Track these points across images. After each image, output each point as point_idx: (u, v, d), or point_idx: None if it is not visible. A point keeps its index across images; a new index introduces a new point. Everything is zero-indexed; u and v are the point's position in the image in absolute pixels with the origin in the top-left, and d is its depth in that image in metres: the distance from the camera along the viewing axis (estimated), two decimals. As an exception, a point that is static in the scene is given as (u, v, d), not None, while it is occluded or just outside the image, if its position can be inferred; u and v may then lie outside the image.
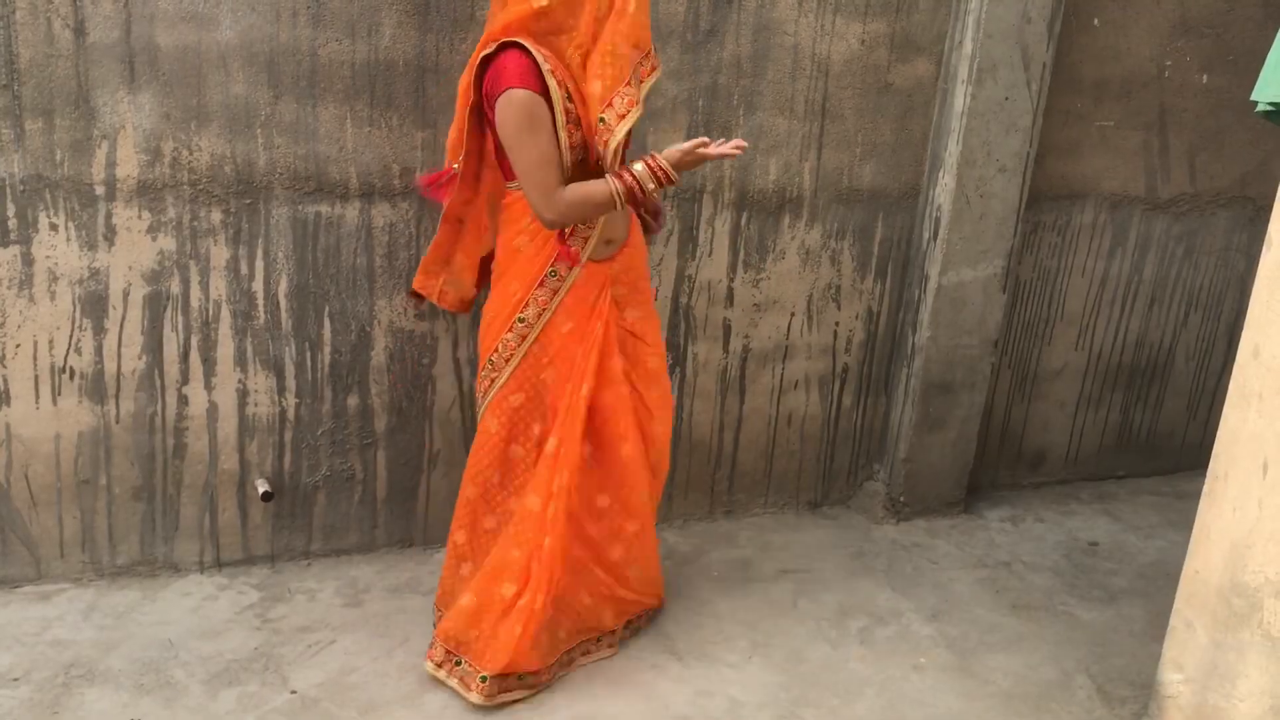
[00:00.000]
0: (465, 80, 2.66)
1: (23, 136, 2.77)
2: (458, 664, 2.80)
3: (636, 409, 2.90)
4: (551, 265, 2.71)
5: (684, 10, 3.22)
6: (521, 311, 2.72)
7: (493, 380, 2.78)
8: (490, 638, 2.77)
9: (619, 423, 2.85)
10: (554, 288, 2.72)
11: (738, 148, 2.56)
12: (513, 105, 2.49)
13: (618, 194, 2.56)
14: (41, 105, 2.77)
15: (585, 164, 2.63)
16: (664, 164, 2.58)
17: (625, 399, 2.84)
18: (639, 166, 2.58)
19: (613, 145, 2.55)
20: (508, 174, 2.70)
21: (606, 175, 2.58)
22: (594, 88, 2.54)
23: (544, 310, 2.72)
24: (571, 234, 2.70)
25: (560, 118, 2.53)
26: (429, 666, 2.83)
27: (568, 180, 2.59)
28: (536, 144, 2.52)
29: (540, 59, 2.51)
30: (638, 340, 2.89)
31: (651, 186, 2.58)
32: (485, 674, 2.74)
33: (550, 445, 2.77)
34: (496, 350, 2.76)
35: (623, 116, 2.53)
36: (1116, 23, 3.77)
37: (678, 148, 2.59)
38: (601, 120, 2.54)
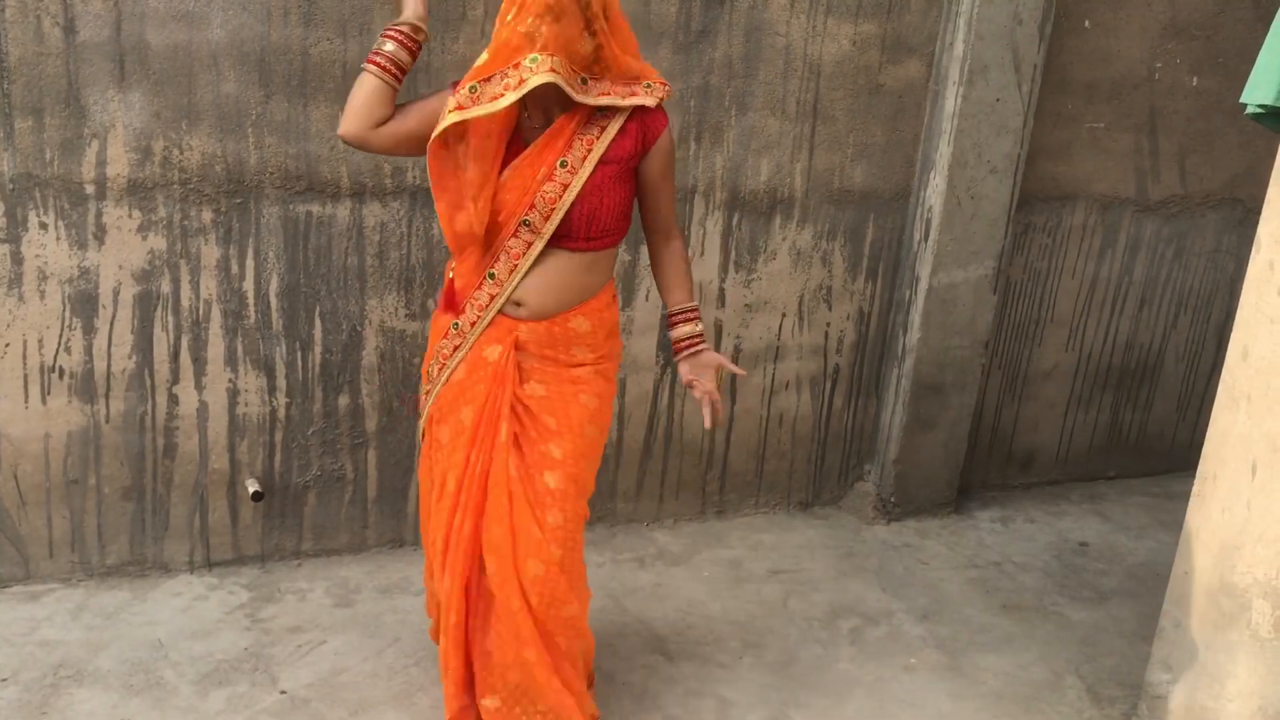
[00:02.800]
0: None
1: (12, 135, 2.76)
2: None
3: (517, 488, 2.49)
4: (456, 318, 2.48)
5: (676, 11, 3.22)
6: (428, 362, 2.56)
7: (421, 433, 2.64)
8: None
9: (494, 495, 2.48)
10: (455, 343, 2.49)
11: None
12: None
13: (367, 67, 2.34)
14: (31, 104, 2.76)
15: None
16: (403, 25, 2.36)
17: (501, 468, 2.47)
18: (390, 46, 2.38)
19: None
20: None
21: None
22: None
23: (444, 366, 2.51)
24: (468, 279, 2.46)
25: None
26: None
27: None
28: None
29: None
30: (534, 416, 2.48)
31: (389, 47, 2.34)
32: None
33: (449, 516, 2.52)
34: (424, 377, 2.60)
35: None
36: (1107, 25, 3.78)
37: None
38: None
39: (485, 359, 2.47)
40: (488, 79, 2.25)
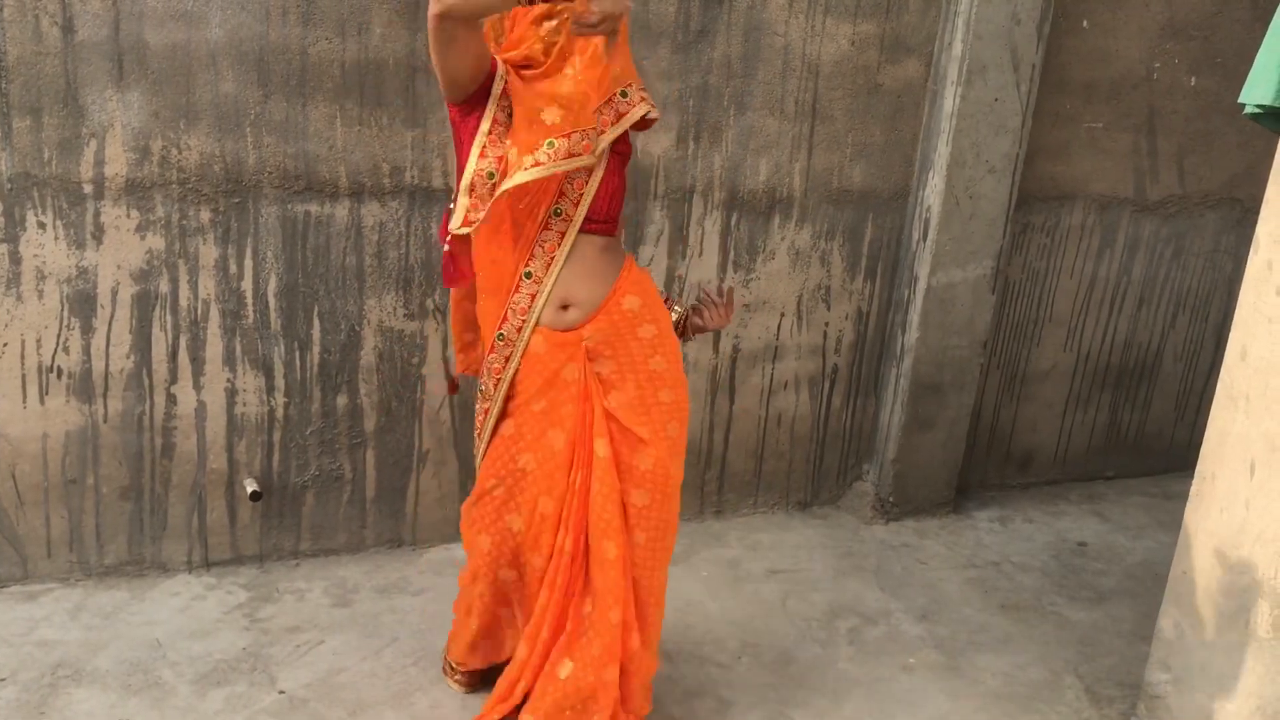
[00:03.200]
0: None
1: (10, 135, 2.76)
2: None
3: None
4: (499, 328, 2.44)
5: (675, 11, 3.22)
6: (483, 380, 2.54)
7: (480, 444, 2.59)
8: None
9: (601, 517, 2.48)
10: (505, 354, 2.46)
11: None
12: None
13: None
14: (29, 103, 2.75)
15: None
16: None
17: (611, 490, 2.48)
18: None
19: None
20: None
21: None
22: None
23: (499, 379, 2.48)
24: (505, 282, 2.42)
25: (486, 123, 2.32)
26: None
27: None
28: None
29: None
30: (624, 429, 2.47)
31: None
32: None
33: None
34: (479, 396, 2.57)
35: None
36: (1105, 25, 3.79)
37: None
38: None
39: (565, 380, 2.45)
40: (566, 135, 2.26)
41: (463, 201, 2.31)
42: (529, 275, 2.40)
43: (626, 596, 2.51)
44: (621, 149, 2.44)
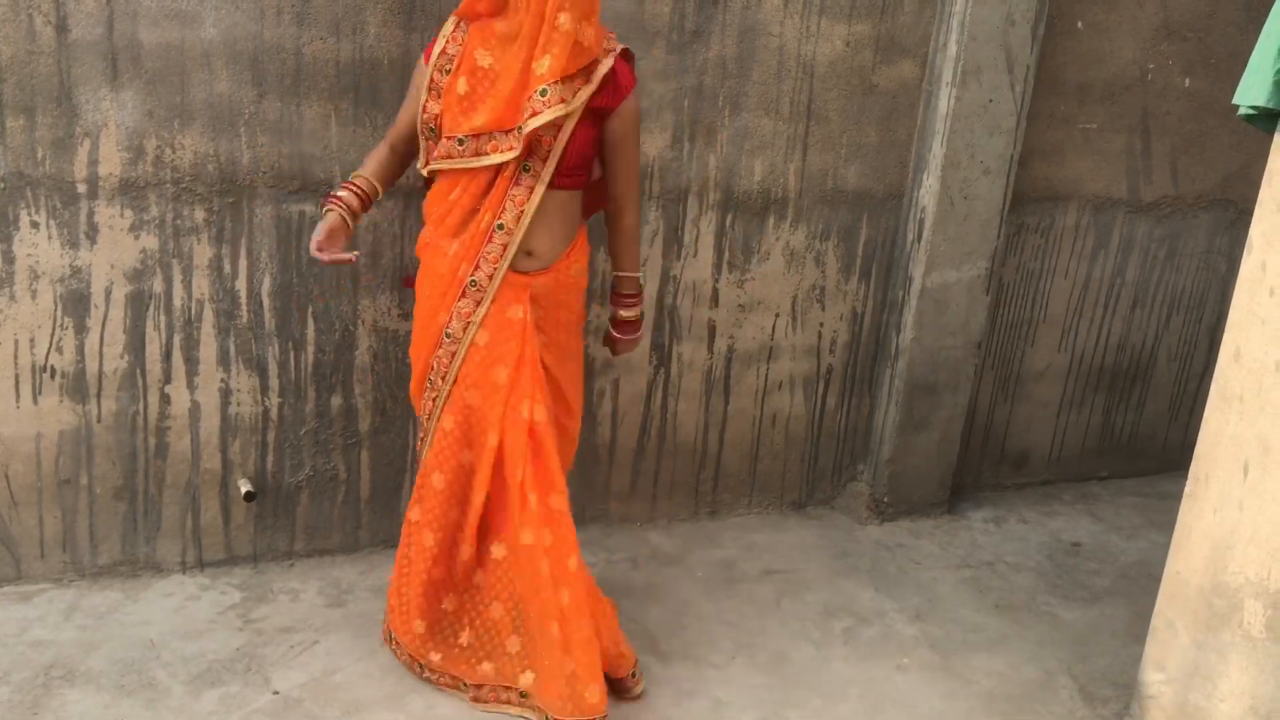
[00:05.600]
0: None
1: (4, 134, 2.75)
2: None
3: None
4: (472, 275, 2.62)
5: (669, 11, 3.22)
6: (447, 325, 2.67)
7: (434, 400, 2.73)
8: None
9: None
10: (476, 298, 2.64)
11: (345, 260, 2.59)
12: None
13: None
14: (23, 102, 2.75)
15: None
16: (324, 215, 2.65)
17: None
18: (340, 192, 2.69)
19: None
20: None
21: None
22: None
23: (468, 324, 2.65)
24: (475, 232, 2.62)
25: (426, 81, 2.62)
26: None
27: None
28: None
29: (448, 28, 2.61)
30: (547, 374, 2.74)
31: (343, 193, 2.69)
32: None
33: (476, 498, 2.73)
34: (432, 368, 2.72)
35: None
36: (1100, 26, 3.79)
37: (321, 231, 2.61)
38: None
39: (510, 319, 2.63)
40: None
41: (422, 143, 2.63)
42: (500, 226, 2.60)
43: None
44: (597, 104, 2.57)
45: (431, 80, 2.59)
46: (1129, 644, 3.26)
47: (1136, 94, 3.94)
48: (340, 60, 2.96)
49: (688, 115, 3.34)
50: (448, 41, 2.59)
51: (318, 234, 2.58)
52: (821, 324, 3.77)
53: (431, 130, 2.62)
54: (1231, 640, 2.49)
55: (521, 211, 2.57)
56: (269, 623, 3.04)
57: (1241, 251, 2.55)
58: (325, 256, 2.56)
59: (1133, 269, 4.19)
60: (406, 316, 3.23)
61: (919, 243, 3.66)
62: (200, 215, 2.97)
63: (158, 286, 2.99)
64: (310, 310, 3.14)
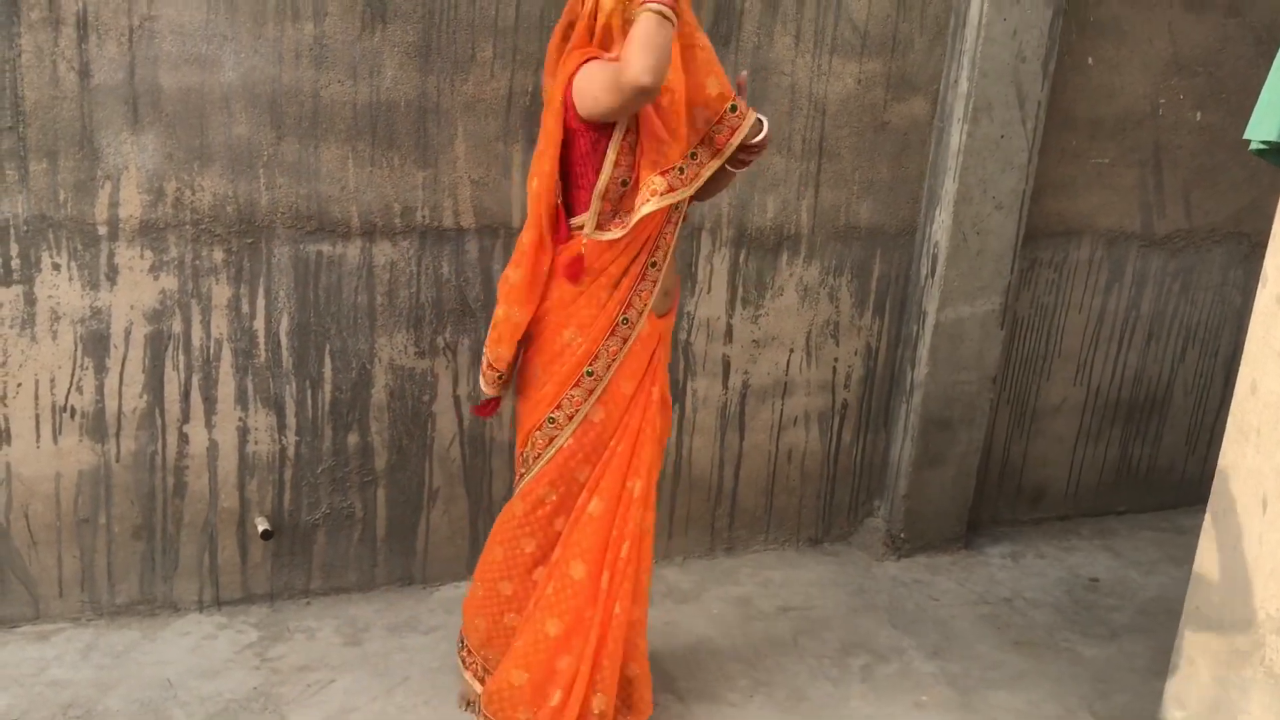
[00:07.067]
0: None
1: (27, 177, 2.79)
2: None
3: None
4: (623, 312, 2.59)
5: (682, 51, 3.25)
6: (590, 364, 2.60)
7: (551, 439, 2.64)
8: None
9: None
10: (624, 336, 2.61)
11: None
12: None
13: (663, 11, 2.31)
14: (46, 146, 2.79)
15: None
16: None
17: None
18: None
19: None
20: (580, 203, 2.56)
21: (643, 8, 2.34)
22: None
23: (613, 361, 2.61)
24: (631, 270, 2.57)
25: (620, 130, 2.52)
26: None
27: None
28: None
29: None
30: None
31: None
32: None
33: (595, 507, 2.64)
34: (559, 406, 2.62)
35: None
36: (1110, 61, 3.81)
37: None
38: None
39: (644, 363, 2.66)
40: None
41: (595, 205, 2.53)
42: (654, 264, 2.61)
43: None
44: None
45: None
46: (1149, 680, 3.23)
47: (1148, 128, 3.95)
48: (357, 102, 3.00)
49: (701, 153, 3.36)
50: None
51: None
52: (836, 359, 3.77)
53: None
54: (1253, 676, 2.47)
55: (670, 247, 2.61)
56: (285, 661, 3.04)
57: (1256, 284, 2.55)
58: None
59: (1147, 302, 4.19)
60: (423, 354, 3.25)
61: (932, 278, 3.67)
62: (219, 256, 3.00)
63: (177, 326, 3.02)
64: (327, 349, 3.16)
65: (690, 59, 2.48)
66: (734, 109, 2.51)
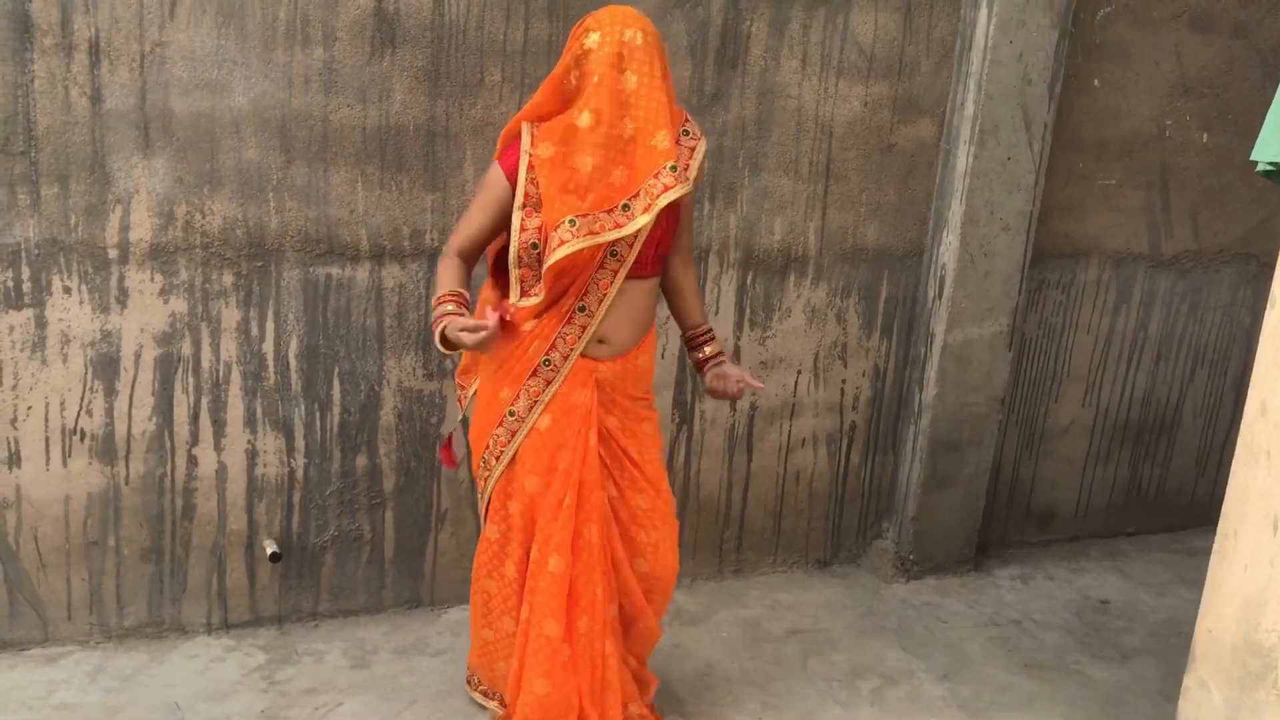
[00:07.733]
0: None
1: (39, 201, 2.81)
2: None
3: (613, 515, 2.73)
4: (546, 354, 2.58)
5: (689, 75, 3.27)
6: (513, 405, 2.62)
7: (486, 479, 2.72)
8: None
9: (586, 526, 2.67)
10: (547, 377, 2.60)
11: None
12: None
13: (435, 308, 2.55)
14: (58, 171, 2.81)
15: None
16: (445, 324, 2.47)
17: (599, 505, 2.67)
18: (448, 306, 2.52)
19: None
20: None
21: (449, 295, 2.55)
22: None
23: (534, 403, 2.60)
24: (555, 313, 2.57)
25: (519, 199, 2.52)
26: None
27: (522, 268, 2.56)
28: (475, 201, 2.63)
29: (528, 137, 2.52)
30: (615, 440, 2.70)
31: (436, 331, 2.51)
32: None
33: (555, 564, 2.63)
34: (488, 447, 2.68)
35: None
36: (1116, 83, 3.82)
37: (460, 323, 2.44)
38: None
39: (574, 404, 2.60)
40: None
41: (514, 273, 2.55)
42: (582, 309, 2.56)
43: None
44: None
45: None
46: (1160, 703, 3.21)
47: (1155, 150, 3.96)
48: (366, 126, 3.02)
49: (708, 176, 3.37)
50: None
51: (464, 325, 2.42)
52: (844, 381, 3.77)
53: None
54: (1266, 700, 2.45)
55: (606, 295, 2.54)
56: (293, 684, 3.04)
57: (1264, 304, 2.54)
58: (490, 324, 2.43)
59: (1155, 323, 4.19)
60: (431, 377, 3.26)
61: (940, 299, 3.67)
62: (229, 279, 3.01)
63: (186, 349, 3.03)
64: (336, 371, 3.17)
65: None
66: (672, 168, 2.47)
